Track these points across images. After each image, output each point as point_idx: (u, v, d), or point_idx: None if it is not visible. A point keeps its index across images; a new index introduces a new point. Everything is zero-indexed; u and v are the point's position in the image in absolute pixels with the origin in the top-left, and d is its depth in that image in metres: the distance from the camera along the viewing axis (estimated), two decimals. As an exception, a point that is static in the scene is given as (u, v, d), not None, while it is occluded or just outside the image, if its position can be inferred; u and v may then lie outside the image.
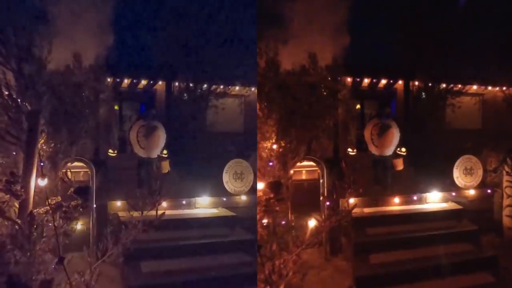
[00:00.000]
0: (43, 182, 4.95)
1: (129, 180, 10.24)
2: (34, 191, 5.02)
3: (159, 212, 6.00)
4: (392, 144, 9.54)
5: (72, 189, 5.05)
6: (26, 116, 5.03)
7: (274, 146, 7.22)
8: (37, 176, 4.89)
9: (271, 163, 7.06)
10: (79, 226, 7.89)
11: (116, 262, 7.42)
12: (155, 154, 9.80)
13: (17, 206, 4.92)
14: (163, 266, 7.92)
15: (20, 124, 5.23)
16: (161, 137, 9.79)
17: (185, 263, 8.03)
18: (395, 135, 9.57)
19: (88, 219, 8.03)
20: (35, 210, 4.89)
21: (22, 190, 4.64)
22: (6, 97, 5.24)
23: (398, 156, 9.61)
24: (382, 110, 9.81)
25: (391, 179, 9.71)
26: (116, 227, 8.27)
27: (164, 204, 9.34)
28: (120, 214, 8.81)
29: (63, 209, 4.79)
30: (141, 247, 8.10)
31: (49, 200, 4.79)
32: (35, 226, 4.67)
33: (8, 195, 4.62)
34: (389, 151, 9.55)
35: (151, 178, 9.71)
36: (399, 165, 9.63)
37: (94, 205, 8.31)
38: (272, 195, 5.67)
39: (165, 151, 12.00)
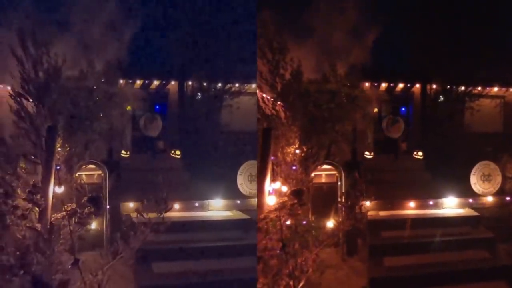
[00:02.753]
0: (60, 190, 5.48)
1: (142, 181, 10.21)
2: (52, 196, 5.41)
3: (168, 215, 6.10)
4: (399, 131, 12.29)
5: (85, 198, 5.38)
6: (45, 131, 5.59)
7: (297, 151, 7.54)
8: (54, 184, 5.35)
9: (294, 167, 7.39)
10: (93, 226, 8.06)
11: (129, 262, 7.56)
12: (155, 134, 12.36)
13: (38, 210, 5.28)
14: (175, 267, 7.92)
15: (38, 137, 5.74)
16: (158, 122, 12.40)
17: (197, 266, 8.01)
18: (401, 126, 12.27)
19: (102, 220, 8.10)
20: (53, 215, 5.25)
21: (42, 198, 5.13)
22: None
23: (404, 141, 12.75)
24: (393, 111, 12.87)
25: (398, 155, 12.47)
26: (129, 228, 8.42)
27: (176, 206, 9.38)
28: (133, 215, 8.79)
29: (78, 215, 5.10)
30: (154, 248, 8.12)
31: (65, 207, 5.18)
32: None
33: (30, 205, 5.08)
34: (396, 135, 12.35)
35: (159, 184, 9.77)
36: (403, 147, 12.67)
37: (108, 206, 8.37)
38: (295, 201, 5.94)
39: (178, 152, 12.09)
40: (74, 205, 5.21)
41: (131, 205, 9.14)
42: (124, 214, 9.02)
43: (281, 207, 5.74)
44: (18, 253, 4.51)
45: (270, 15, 7.53)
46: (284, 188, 6.49)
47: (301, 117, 7.51)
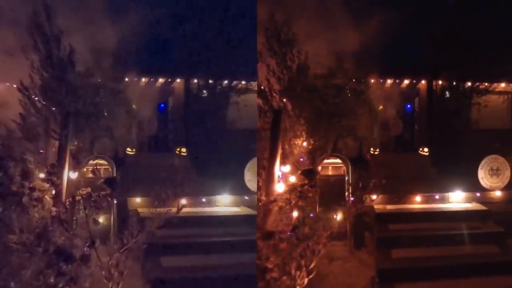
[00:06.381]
0: (74, 175, 5.84)
1: (148, 177, 10.21)
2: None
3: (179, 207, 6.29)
4: (399, 129, 13.32)
5: (101, 180, 5.40)
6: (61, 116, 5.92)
7: (304, 144, 7.61)
8: (69, 169, 5.59)
9: (301, 159, 7.43)
10: (100, 220, 8.11)
11: (137, 256, 7.59)
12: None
13: (50, 195, 5.42)
14: (182, 261, 7.94)
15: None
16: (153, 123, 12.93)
17: (204, 260, 8.02)
18: (400, 126, 13.20)
19: (109, 215, 8.15)
20: (68, 199, 5.35)
21: (58, 180, 5.32)
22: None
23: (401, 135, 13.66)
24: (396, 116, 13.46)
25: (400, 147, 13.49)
26: (136, 222, 8.46)
27: (184, 201, 9.40)
28: (140, 210, 8.84)
29: (92, 198, 5.13)
30: (162, 243, 8.14)
31: (80, 191, 5.29)
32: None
33: (47, 185, 5.24)
34: (397, 133, 13.32)
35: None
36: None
37: (115, 201, 8.40)
38: (306, 181, 5.93)
39: (183, 149, 12.11)
40: (89, 190, 5.27)
41: (137, 200, 9.17)
42: (131, 209, 9.02)
43: (291, 189, 5.70)
44: (37, 230, 4.61)
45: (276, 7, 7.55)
46: (293, 179, 6.44)
47: (308, 110, 7.52)
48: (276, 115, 5.85)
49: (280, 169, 5.88)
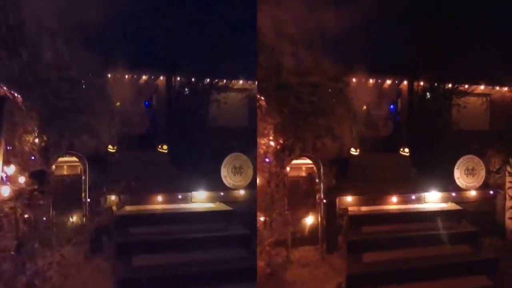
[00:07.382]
0: (10, 170, 4.99)
1: (127, 175, 10.23)
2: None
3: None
4: (390, 130, 13.62)
5: (27, 174, 5.03)
6: None
7: (272, 143, 7.34)
8: (3, 163, 4.90)
9: (267, 160, 7.19)
10: (73, 219, 8.13)
11: (108, 256, 7.58)
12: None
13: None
14: (155, 260, 7.84)
15: None
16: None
17: (179, 257, 7.97)
18: (391, 127, 13.52)
19: (82, 213, 8.23)
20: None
21: None
22: None
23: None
24: (386, 117, 13.84)
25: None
26: (109, 219, 8.48)
27: (160, 198, 9.45)
28: (114, 208, 8.87)
29: (26, 196, 4.79)
30: (135, 241, 8.17)
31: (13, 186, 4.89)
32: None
33: None
34: (386, 133, 13.60)
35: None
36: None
37: (89, 199, 8.42)
38: (36, 187, 5.19)
39: (165, 146, 12.14)
40: (22, 186, 4.89)
41: (112, 198, 9.16)
42: (106, 207, 9.00)
43: (17, 196, 4.90)
44: None
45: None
46: (22, 180, 5.37)
47: (278, 107, 7.36)
48: None
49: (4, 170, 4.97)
